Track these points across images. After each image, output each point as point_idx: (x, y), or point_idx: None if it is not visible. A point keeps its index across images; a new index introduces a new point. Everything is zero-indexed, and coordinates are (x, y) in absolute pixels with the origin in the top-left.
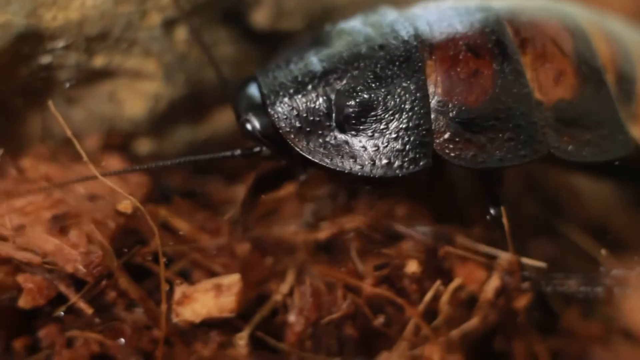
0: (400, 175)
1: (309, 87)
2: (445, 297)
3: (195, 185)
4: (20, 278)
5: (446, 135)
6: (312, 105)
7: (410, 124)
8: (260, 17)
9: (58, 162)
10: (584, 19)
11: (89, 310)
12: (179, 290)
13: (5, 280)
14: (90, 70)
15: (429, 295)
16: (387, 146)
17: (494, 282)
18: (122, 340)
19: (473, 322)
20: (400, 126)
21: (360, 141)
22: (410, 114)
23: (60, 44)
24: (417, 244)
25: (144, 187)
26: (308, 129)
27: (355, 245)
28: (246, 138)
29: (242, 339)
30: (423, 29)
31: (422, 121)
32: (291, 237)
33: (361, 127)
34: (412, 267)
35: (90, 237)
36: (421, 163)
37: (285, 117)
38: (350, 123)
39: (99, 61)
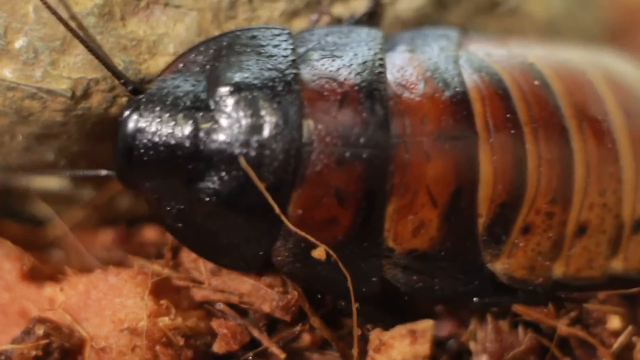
0: None
1: (180, 160)
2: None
3: None
4: (214, 323)
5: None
6: (178, 188)
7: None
8: None
9: None
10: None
11: (281, 355)
12: (375, 336)
13: (198, 325)
14: None
15: (622, 338)
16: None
17: None
18: None
19: None
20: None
21: None
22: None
23: None
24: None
25: None
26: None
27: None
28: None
29: None
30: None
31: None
32: None
33: None
34: (614, 323)
35: (283, 279)
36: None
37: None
38: None
39: None
